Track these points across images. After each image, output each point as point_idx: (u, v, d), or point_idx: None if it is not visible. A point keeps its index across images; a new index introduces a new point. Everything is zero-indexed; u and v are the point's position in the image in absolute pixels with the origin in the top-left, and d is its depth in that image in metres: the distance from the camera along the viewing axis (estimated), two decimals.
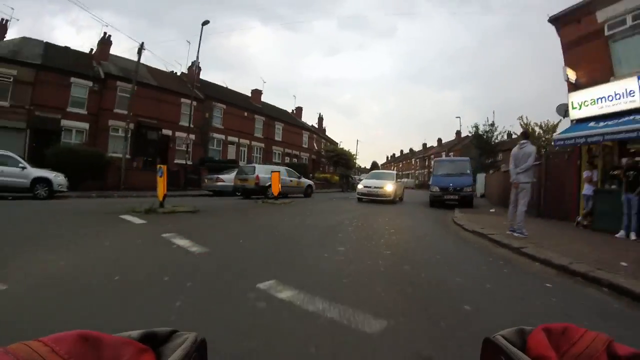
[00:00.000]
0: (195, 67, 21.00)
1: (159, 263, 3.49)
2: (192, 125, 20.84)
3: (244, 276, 3.11)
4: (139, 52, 16.12)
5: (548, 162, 11.30)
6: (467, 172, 14.02)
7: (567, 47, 11.11)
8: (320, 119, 46.22)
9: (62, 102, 17.62)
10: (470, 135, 33.47)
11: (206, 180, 15.70)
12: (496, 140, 29.15)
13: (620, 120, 8.67)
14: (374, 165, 65.85)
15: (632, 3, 9.10)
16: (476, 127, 29.48)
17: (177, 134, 21.97)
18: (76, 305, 2.30)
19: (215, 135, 25.19)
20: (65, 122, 17.67)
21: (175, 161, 21.41)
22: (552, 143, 10.99)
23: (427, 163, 55.28)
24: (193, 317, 2.19)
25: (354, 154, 36.30)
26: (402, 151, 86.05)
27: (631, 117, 8.50)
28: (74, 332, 0.27)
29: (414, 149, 76.49)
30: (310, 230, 6.05)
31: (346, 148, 37.64)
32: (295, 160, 32.54)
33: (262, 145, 29.65)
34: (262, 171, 14.16)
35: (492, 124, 28.67)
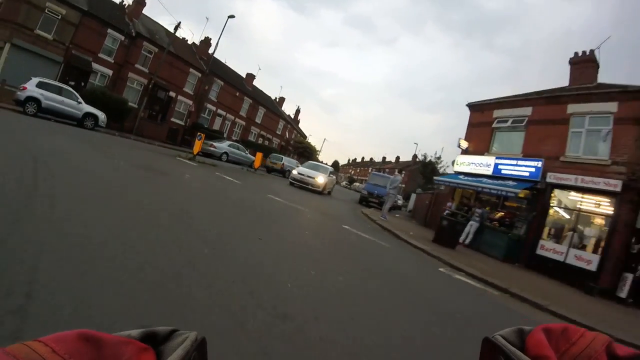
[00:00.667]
0: (213, 51, 25.08)
1: (226, 182, 8.82)
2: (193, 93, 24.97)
3: (261, 192, 8.76)
4: (175, 29, 20.21)
5: (438, 193, 17.38)
6: None
7: (470, 125, 17.14)
8: (298, 111, 51.09)
9: (96, 47, 20.88)
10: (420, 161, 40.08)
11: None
12: (441, 172, 35.78)
13: (475, 179, 14.70)
14: (335, 164, 71.81)
15: (514, 112, 14.94)
16: (424, 156, 36.10)
17: (180, 97, 25.96)
18: (213, 188, 7.56)
19: (209, 106, 29.35)
20: (94, 65, 20.98)
21: (172, 119, 25.42)
22: (434, 182, 17.14)
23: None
24: (250, 197, 7.70)
25: (318, 150, 41.66)
26: (363, 158, 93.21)
27: (481, 179, 14.53)
28: (74, 331, 0.27)
29: (374, 159, 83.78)
30: (281, 186, 11.57)
31: (313, 143, 43.08)
32: (267, 142, 37.12)
33: (244, 123, 34.03)
34: (286, 161, 22.31)
35: (439, 157, 35.48)
